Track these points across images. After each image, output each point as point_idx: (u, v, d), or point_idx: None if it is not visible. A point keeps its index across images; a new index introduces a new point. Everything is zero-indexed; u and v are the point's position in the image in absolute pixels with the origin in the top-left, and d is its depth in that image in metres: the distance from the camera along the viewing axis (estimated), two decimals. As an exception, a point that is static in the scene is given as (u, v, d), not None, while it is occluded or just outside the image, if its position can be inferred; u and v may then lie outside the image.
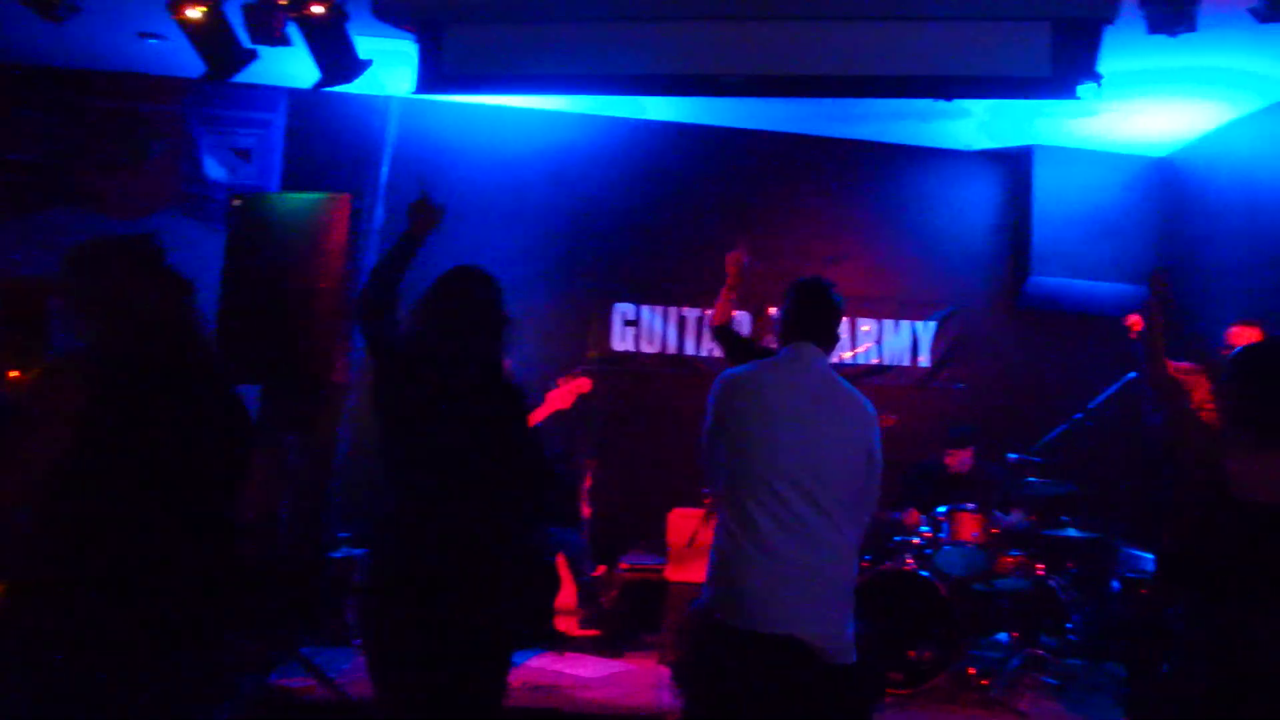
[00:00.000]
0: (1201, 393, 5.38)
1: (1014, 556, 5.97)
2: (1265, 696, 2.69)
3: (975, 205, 7.72)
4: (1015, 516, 6.39)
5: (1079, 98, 4.92)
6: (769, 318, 3.66)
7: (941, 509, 5.93)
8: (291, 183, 6.70)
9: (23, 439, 2.35)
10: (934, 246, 7.66)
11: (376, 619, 3.07)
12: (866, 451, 3.09)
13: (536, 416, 5.22)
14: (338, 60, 5.34)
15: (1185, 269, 6.97)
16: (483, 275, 3.24)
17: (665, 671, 5.68)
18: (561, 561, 6.13)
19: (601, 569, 6.41)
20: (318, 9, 5.09)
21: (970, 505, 5.90)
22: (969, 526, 5.81)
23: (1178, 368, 5.59)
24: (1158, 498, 5.53)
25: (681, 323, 7.49)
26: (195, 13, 5.12)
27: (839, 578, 3.04)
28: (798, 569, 2.93)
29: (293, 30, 5.19)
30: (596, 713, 5.20)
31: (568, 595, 6.17)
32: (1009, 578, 5.98)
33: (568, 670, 5.78)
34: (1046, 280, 7.25)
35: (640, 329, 7.47)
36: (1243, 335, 5.11)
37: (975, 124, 7.07)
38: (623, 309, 7.47)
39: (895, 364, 7.57)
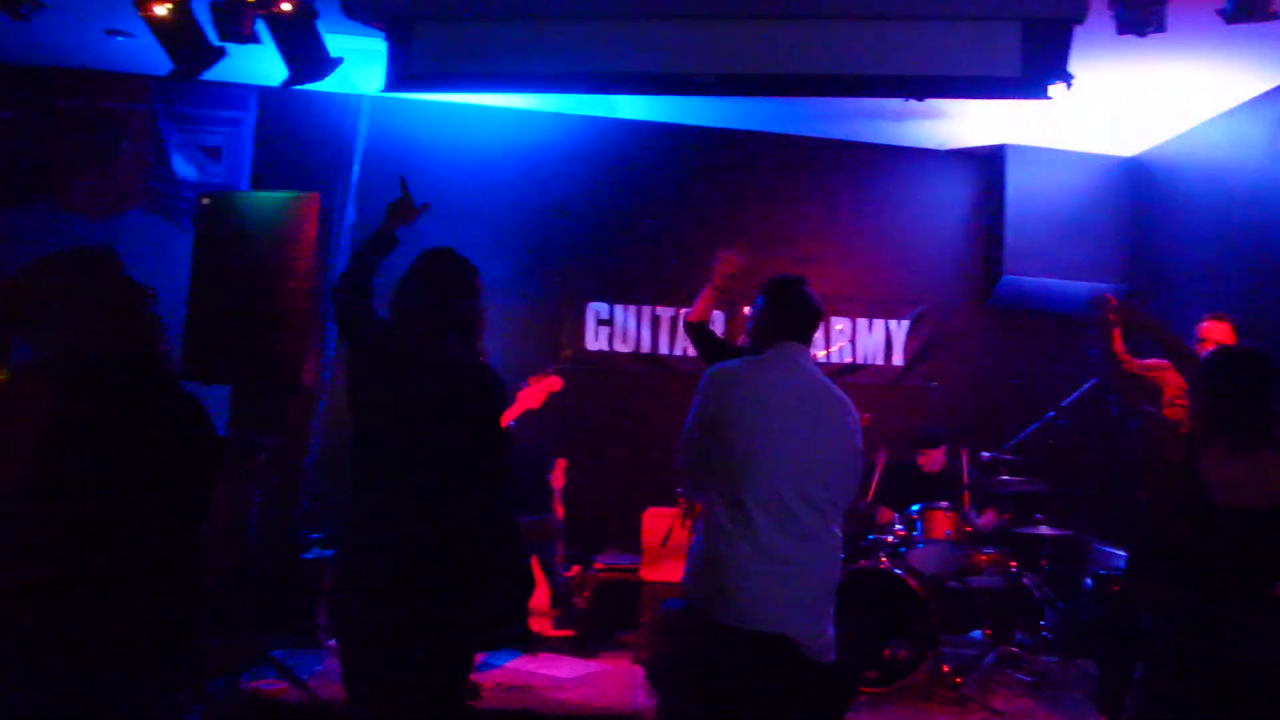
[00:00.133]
0: (1172, 389, 5.42)
1: (987, 554, 6.01)
2: (1260, 697, 2.70)
3: (948, 204, 7.74)
4: (988, 515, 6.43)
5: (1049, 97, 4.94)
6: (744, 317, 3.64)
7: (915, 507, 5.94)
8: (261, 181, 6.62)
9: None
10: (907, 245, 7.68)
11: (344, 618, 3.05)
12: (855, 451, 3.14)
13: (508, 416, 5.20)
14: (307, 58, 5.29)
15: (1155, 268, 7.04)
16: (452, 254, 3.24)
17: (640, 671, 5.68)
18: (535, 562, 6.11)
19: (575, 569, 6.39)
20: (286, 6, 5.04)
21: (943, 504, 5.92)
22: (942, 525, 5.83)
23: (1145, 365, 5.64)
24: (1129, 496, 5.57)
25: (655, 322, 7.47)
26: (162, 9, 5.07)
27: (827, 576, 3.06)
28: (793, 567, 2.94)
29: (261, 28, 5.14)
30: (571, 713, 5.19)
31: (541, 596, 6.16)
32: (982, 575, 6.03)
33: (541, 671, 5.76)
34: (1019, 279, 7.28)
35: (614, 328, 7.44)
36: (1215, 329, 5.10)
37: (947, 123, 7.09)
38: (596, 308, 7.44)
39: (869, 363, 7.58)
